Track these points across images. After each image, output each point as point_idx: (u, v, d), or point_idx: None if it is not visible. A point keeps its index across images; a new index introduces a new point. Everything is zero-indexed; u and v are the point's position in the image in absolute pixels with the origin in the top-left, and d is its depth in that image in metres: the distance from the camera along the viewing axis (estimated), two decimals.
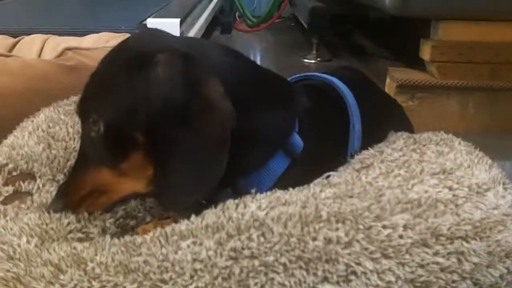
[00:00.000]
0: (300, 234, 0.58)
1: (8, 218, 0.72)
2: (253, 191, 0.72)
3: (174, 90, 0.67)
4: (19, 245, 0.66)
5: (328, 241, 0.58)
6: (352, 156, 0.93)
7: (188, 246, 0.59)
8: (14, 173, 0.81)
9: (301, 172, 0.84)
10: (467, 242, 0.62)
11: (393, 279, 0.57)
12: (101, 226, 0.72)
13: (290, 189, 0.68)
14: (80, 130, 0.88)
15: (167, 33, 0.80)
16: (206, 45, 0.80)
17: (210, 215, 0.63)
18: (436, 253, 0.60)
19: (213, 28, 2.92)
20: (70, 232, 0.70)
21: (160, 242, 0.61)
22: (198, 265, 0.57)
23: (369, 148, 0.91)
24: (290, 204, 0.62)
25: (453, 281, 0.59)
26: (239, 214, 0.61)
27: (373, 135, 0.97)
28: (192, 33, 2.09)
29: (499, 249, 0.64)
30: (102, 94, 0.72)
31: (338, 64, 2.34)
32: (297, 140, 0.82)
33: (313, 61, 2.54)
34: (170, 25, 1.77)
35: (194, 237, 0.60)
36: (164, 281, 0.57)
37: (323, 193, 0.65)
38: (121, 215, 0.75)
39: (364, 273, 0.57)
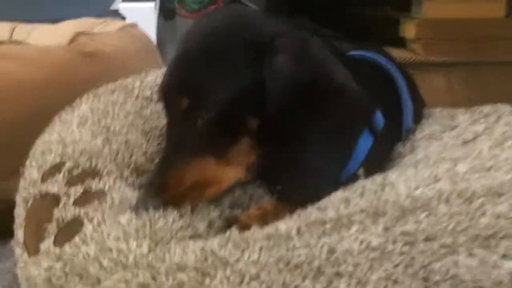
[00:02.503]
0: (466, 211, 0.55)
1: (95, 221, 0.62)
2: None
3: (299, 76, 0.64)
4: (130, 250, 0.58)
5: (497, 216, 0.55)
6: (407, 132, 0.92)
7: (351, 235, 0.54)
8: (76, 172, 0.71)
9: (384, 149, 0.82)
10: None
11: None
12: (207, 219, 0.65)
13: (419, 166, 0.64)
14: (135, 122, 0.80)
15: (253, 9, 0.75)
16: (295, 24, 0.75)
17: (356, 199, 0.58)
18: None
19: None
20: (179, 230, 0.61)
21: (310, 231, 0.55)
22: (372, 254, 0.52)
23: (431, 124, 0.90)
24: (437, 181, 0.59)
25: None
26: (394, 196, 0.57)
27: (416, 110, 0.97)
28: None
29: None
30: (215, 80, 0.64)
31: None
32: (379, 117, 0.79)
33: None
34: (146, 10, 1.67)
35: (356, 223, 0.54)
36: (340, 275, 0.51)
37: (459, 168, 0.62)
38: (229, 204, 0.67)
39: None
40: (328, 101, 0.64)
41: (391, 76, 0.93)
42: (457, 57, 1.70)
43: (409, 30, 1.73)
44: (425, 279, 0.51)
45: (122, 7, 1.68)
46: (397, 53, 1.76)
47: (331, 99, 0.65)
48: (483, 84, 1.71)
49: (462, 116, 0.89)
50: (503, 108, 0.88)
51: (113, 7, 1.69)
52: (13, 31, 1.34)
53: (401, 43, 1.78)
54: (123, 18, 1.66)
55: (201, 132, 0.64)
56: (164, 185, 0.64)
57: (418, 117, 0.97)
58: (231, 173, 0.66)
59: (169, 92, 0.67)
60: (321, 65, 0.66)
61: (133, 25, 1.26)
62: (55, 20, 1.39)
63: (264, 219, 0.61)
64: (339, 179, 0.70)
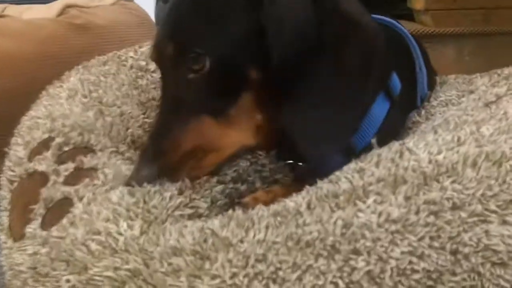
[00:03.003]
0: (496, 175, 0.49)
1: (85, 200, 0.56)
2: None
3: (305, 12, 0.56)
4: (119, 233, 0.52)
5: None
6: (422, 100, 0.86)
7: (369, 206, 0.48)
8: (66, 148, 0.65)
9: (400, 116, 0.75)
10: None
11: None
12: (210, 196, 0.59)
13: (438, 130, 0.58)
14: (130, 92, 0.74)
15: None
16: None
17: (372, 169, 0.52)
18: None
19: None
20: (176, 208, 0.56)
21: (323, 205, 0.49)
22: (393, 227, 0.46)
23: (447, 90, 0.84)
24: (461, 145, 0.53)
25: None
26: (413, 162, 0.51)
27: (429, 77, 0.91)
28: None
29: None
30: (206, 24, 0.57)
31: None
32: (396, 80, 0.73)
33: None
34: None
35: (373, 194, 0.48)
36: (357, 252, 0.45)
37: (484, 130, 0.55)
38: (232, 178, 0.61)
39: None
40: (342, 39, 0.56)
41: (405, 41, 0.87)
42: (467, 28, 1.62)
43: (417, 1, 1.65)
44: (454, 252, 0.45)
45: None
46: (406, 25, 1.69)
47: (342, 33, 0.57)
48: (494, 55, 1.63)
49: (480, 80, 0.82)
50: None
51: None
52: (3, 11, 1.28)
53: (407, 19, 1.71)
54: None
55: (196, 87, 0.57)
56: (158, 151, 0.57)
57: (431, 85, 0.91)
58: (234, 136, 0.59)
59: (159, 44, 0.60)
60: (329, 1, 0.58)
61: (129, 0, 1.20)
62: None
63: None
64: (354, 145, 0.64)
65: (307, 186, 0.53)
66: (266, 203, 0.55)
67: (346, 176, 0.52)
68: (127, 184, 0.57)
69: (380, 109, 0.69)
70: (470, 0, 1.61)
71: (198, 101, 0.57)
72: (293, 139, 0.58)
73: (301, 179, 0.62)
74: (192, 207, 0.57)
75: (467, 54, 1.64)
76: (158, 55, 0.61)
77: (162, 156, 0.57)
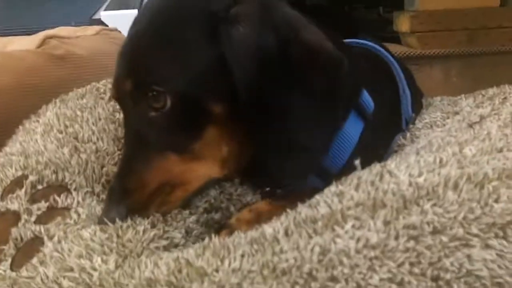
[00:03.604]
0: (478, 197, 0.47)
1: (56, 239, 0.55)
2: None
3: (265, 45, 0.56)
4: (93, 268, 0.50)
5: None
6: (407, 123, 0.85)
7: (347, 232, 0.46)
8: (40, 187, 0.63)
9: (381, 137, 0.74)
10: None
11: None
12: (184, 227, 0.57)
13: (421, 152, 0.57)
14: (107, 127, 0.73)
15: None
16: None
17: (351, 192, 0.50)
18: None
19: None
20: (151, 241, 0.54)
21: (300, 231, 0.47)
22: (371, 252, 0.44)
23: (432, 112, 0.83)
24: (442, 166, 0.51)
25: None
26: (393, 185, 0.49)
27: (414, 100, 0.90)
28: None
29: None
30: (165, 60, 0.57)
31: None
32: (368, 98, 0.72)
33: None
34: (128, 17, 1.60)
35: (352, 219, 0.47)
36: (335, 279, 0.44)
37: (466, 151, 0.54)
38: (204, 209, 0.60)
39: None
40: (303, 65, 0.56)
41: (388, 63, 0.87)
42: (453, 48, 1.63)
43: (403, 23, 1.66)
44: (435, 279, 0.44)
45: (105, 15, 1.63)
46: (392, 48, 1.69)
47: (305, 61, 0.57)
48: (480, 75, 1.64)
49: (465, 101, 0.82)
50: (509, 89, 0.81)
51: (95, 16, 1.65)
52: None
53: (394, 41, 1.72)
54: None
55: (158, 125, 0.56)
56: (125, 191, 0.57)
57: (417, 107, 0.90)
58: (200, 170, 0.59)
59: (117, 81, 0.60)
60: (288, 28, 0.58)
61: (112, 29, 1.20)
62: (34, 32, 1.34)
63: (258, 222, 0.53)
64: (328, 166, 0.63)
65: (288, 210, 0.52)
66: (250, 223, 0.54)
67: (326, 200, 0.50)
68: (100, 222, 0.56)
69: (352, 128, 0.69)
70: (454, 21, 1.62)
71: (161, 138, 0.57)
72: (265, 167, 0.57)
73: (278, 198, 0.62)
74: (167, 238, 0.55)
75: (454, 75, 1.64)
76: (117, 91, 0.60)
77: (129, 195, 0.56)
